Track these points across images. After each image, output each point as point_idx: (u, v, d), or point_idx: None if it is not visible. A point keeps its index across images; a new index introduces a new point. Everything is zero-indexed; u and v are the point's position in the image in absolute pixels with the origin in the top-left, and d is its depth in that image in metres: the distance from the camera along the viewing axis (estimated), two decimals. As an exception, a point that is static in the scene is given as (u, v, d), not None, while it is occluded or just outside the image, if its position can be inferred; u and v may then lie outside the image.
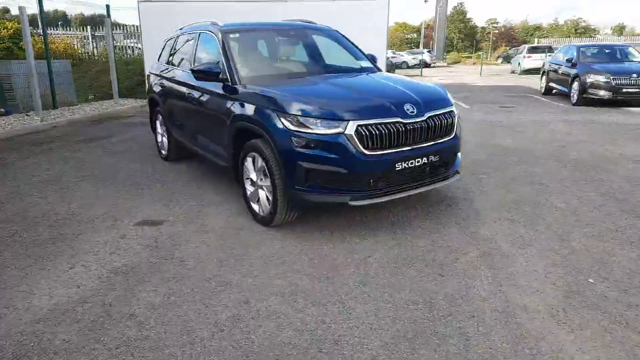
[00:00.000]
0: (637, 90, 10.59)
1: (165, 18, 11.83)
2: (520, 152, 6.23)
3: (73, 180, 5.27)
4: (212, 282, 2.97)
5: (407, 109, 3.51)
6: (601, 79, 10.84)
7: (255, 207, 3.96)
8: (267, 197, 3.78)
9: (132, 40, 18.47)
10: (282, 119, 3.43)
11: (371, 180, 3.42)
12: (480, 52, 44.07)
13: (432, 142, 3.64)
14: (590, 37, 50.24)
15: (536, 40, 37.99)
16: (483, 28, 76.02)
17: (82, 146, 7.08)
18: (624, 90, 10.58)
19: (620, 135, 7.37)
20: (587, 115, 9.59)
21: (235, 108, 3.95)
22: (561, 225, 3.74)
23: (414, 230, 3.68)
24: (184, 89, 5.05)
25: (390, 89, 3.85)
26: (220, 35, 4.49)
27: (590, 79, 10.99)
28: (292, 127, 3.38)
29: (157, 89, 5.93)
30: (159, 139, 6.26)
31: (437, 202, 4.26)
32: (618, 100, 10.77)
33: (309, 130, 3.34)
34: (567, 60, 12.35)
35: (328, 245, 3.45)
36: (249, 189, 4.01)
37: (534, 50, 25.50)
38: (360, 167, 3.34)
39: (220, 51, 4.37)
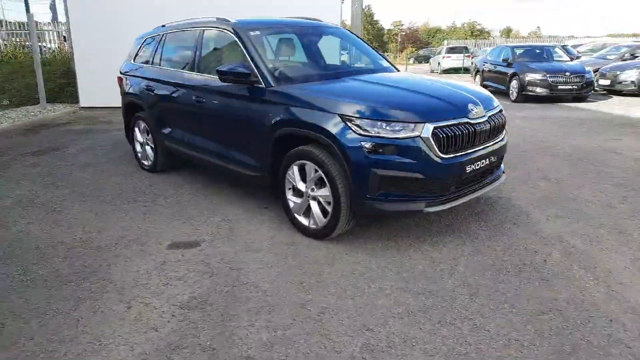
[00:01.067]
0: (570, 87, 11.52)
1: (99, 13, 10.81)
2: (510, 149, 6.42)
3: (55, 200, 4.54)
4: (309, 308, 2.65)
5: (472, 109, 3.41)
6: (538, 77, 11.64)
7: (303, 220, 3.64)
8: (322, 208, 3.48)
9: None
10: (350, 123, 3.17)
11: (445, 185, 3.28)
12: (387, 53, 45.89)
13: (492, 143, 3.59)
14: (485, 38, 54.50)
15: (446, 42, 40.28)
16: (389, 30, 79.39)
17: (37, 160, 6.17)
18: (560, 87, 11.45)
19: (578, 129, 7.92)
20: (535, 112, 10.23)
21: (276, 112, 3.60)
22: (610, 218, 3.86)
23: (478, 234, 3.59)
24: (186, 92, 4.55)
25: (447, 89, 3.72)
26: (239, 33, 4.08)
27: (529, 77, 11.76)
28: (362, 132, 3.13)
29: (138, 92, 5.30)
30: (138, 149, 5.63)
31: (475, 203, 4.22)
32: (554, 97, 11.64)
33: (383, 135, 3.11)
34: (503, 60, 13.13)
35: (405, 257, 3.26)
36: (294, 200, 3.69)
37: (451, 50, 26.94)
38: (437, 171, 3.18)
39: (243, 50, 3.97)
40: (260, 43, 4.05)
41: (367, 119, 3.14)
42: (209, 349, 2.30)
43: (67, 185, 5.01)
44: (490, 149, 3.54)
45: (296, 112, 3.47)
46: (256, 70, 3.79)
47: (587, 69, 11.89)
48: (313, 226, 3.57)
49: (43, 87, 11.08)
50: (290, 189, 3.71)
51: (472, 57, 25.56)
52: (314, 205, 3.53)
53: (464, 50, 26.18)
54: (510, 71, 12.50)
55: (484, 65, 14.47)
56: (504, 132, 3.80)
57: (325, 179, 3.34)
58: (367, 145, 3.11)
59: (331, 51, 4.69)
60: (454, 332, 2.39)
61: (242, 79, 3.78)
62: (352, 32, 5.02)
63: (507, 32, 76.29)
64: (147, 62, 5.33)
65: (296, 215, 3.69)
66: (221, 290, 2.86)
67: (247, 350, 2.29)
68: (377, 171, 3.12)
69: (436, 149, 3.15)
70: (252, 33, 4.09)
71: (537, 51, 13.26)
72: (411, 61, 45.89)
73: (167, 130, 4.98)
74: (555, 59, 13.04)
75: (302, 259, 3.26)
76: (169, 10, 10.60)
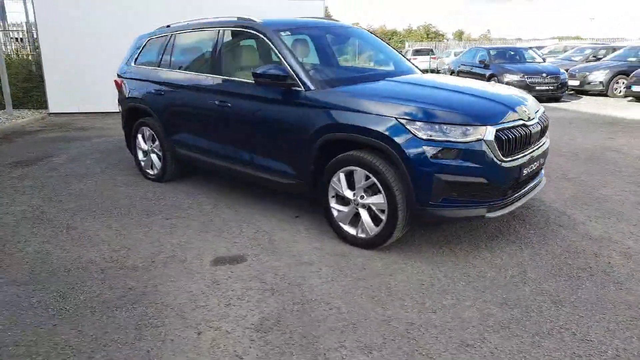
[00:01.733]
0: (547, 87, 11.87)
1: (68, 12, 10.22)
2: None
3: (64, 215, 4.17)
4: (394, 324, 2.50)
5: (525, 111, 3.36)
6: (516, 78, 11.94)
7: (349, 229, 3.48)
8: (372, 216, 3.33)
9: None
10: (410, 127, 3.04)
11: (505, 189, 3.21)
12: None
13: (540, 145, 3.55)
14: (440, 41, 55.89)
15: (407, 44, 40.97)
16: (348, 32, 79.74)
17: (24, 171, 5.70)
18: (537, 88, 11.78)
19: (569, 128, 8.13)
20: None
21: (320, 117, 3.43)
22: (648, 217, 3.92)
23: (529, 238, 3.55)
24: (205, 96, 4.29)
25: (496, 91, 3.65)
26: (268, 34, 3.87)
27: (507, 78, 12.04)
28: (425, 136, 3.01)
29: (144, 96, 4.97)
30: (141, 157, 5.28)
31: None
32: (531, 97, 11.95)
33: (447, 139, 3.00)
34: (479, 61, 13.40)
35: (467, 264, 3.16)
36: (338, 208, 3.52)
37: (417, 52, 27.37)
38: (499, 175, 3.11)
39: (276, 52, 3.77)
40: (292, 44, 3.85)
41: (429, 122, 3.02)
42: (310, 377, 2.11)
43: (70, 199, 4.62)
44: (539, 151, 3.50)
45: (345, 116, 3.31)
46: (293, 73, 3.60)
47: (561, 70, 12.29)
48: (362, 235, 3.41)
49: (9, 92, 10.35)
50: (333, 196, 3.54)
51: (437, 59, 26.10)
52: (364, 214, 3.37)
53: (430, 52, 26.68)
54: (487, 73, 12.76)
55: (459, 67, 14.72)
56: (546, 133, 3.77)
57: (380, 186, 3.20)
58: (431, 149, 2.99)
59: (353, 52, 4.54)
60: (557, 344, 2.30)
61: (278, 82, 3.58)
62: (371, 33, 4.89)
63: (460, 35, 78.66)
64: (152, 65, 5.01)
65: (341, 224, 3.52)
66: (291, 309, 2.66)
67: (353, 376, 2.11)
68: (441, 176, 3.00)
69: (498, 152, 3.07)
70: (282, 34, 3.89)
71: (512, 53, 13.61)
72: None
73: (180, 137, 4.69)
74: (528, 60, 13.42)
75: (360, 271, 3.10)
76: (137, 10, 10.23)
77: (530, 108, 3.45)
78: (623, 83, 12.73)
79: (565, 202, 4.27)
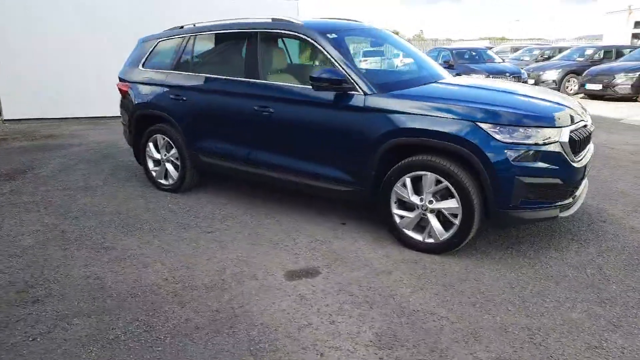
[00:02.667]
0: (510, 87, 12.41)
1: (21, 10, 9.43)
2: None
3: (90, 233, 3.83)
4: (513, 330, 2.49)
5: (582, 112, 3.47)
6: (482, 78, 12.40)
7: (415, 235, 3.44)
8: (443, 220, 3.31)
9: None
10: (490, 131, 3.05)
11: (573, 189, 3.30)
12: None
13: (590, 145, 3.68)
14: (386, 41, 57.12)
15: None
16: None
17: (11, 186, 5.18)
18: (502, 87, 12.28)
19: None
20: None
21: (385, 122, 3.36)
22: None
23: (584, 235, 3.67)
24: (241, 101, 4.08)
25: (552, 94, 3.74)
26: (316, 37, 3.75)
27: (473, 78, 12.48)
28: (506, 140, 3.03)
29: (160, 102, 4.66)
30: (152, 166, 4.96)
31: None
32: (496, 96, 12.47)
33: (527, 142, 3.04)
34: (444, 62, 13.77)
35: (543, 265, 3.22)
36: (402, 214, 3.47)
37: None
38: (572, 175, 3.20)
39: (329, 55, 3.66)
40: (343, 47, 3.74)
41: (510, 125, 3.04)
42: (466, 393, 2.05)
43: (86, 215, 4.24)
44: (591, 150, 3.63)
45: (417, 120, 3.26)
46: (350, 77, 3.50)
47: (521, 69, 12.92)
48: (429, 240, 3.38)
49: (-42, 97, 9.39)
50: (395, 202, 3.48)
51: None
52: (433, 219, 3.34)
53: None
54: (453, 73, 13.11)
55: (422, 67, 15.05)
56: (590, 134, 3.92)
57: (454, 190, 3.18)
58: (513, 153, 3.01)
59: (386, 55, 4.50)
60: (676, 339, 2.38)
61: (336, 86, 3.48)
62: (391, 33, 4.87)
63: (419, 36, 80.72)
64: (168, 68, 4.70)
65: (405, 231, 3.48)
66: (400, 322, 2.58)
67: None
68: (522, 179, 3.03)
69: (571, 153, 3.15)
70: (330, 36, 3.78)
71: (473, 53, 14.12)
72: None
73: (205, 144, 4.44)
74: (488, 60, 13.99)
75: (443, 277, 3.08)
76: (100, 7, 9.67)
77: (579, 109, 3.57)
78: (574, 81, 13.59)
79: (593, 197, 4.46)
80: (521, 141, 3.03)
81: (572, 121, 3.24)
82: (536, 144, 3.04)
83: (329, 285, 2.98)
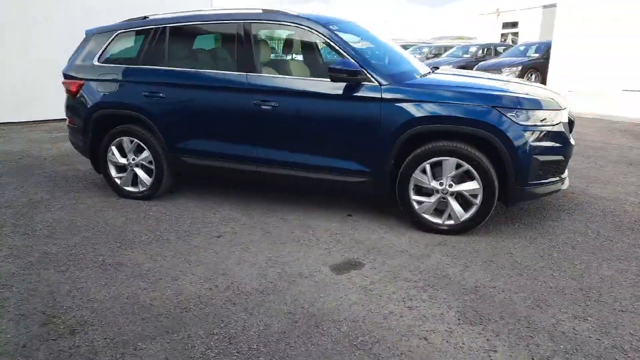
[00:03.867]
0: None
1: None
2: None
3: (83, 252, 3.36)
4: (571, 292, 2.75)
5: (564, 98, 3.91)
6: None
7: (434, 218, 3.60)
8: (465, 202, 3.51)
9: None
10: (508, 115, 3.30)
11: (567, 164, 3.70)
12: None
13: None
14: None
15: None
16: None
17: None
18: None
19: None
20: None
21: (404, 111, 3.45)
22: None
23: (572, 212, 4.12)
24: (236, 96, 3.89)
25: (526, 84, 4.12)
26: (323, 29, 3.72)
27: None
28: (524, 123, 3.31)
29: (131, 100, 4.23)
30: (116, 173, 4.48)
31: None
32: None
33: (541, 124, 3.36)
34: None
35: (553, 238, 3.56)
36: (420, 200, 3.60)
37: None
38: (570, 152, 3.60)
39: (339, 48, 3.66)
40: (348, 39, 3.75)
41: (525, 109, 3.32)
42: None
43: (59, 232, 3.71)
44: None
45: (439, 108, 3.40)
46: (365, 68, 3.54)
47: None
48: (449, 222, 3.56)
49: None
50: (413, 189, 3.60)
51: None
52: (453, 202, 3.51)
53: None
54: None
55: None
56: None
57: (475, 172, 3.38)
58: (530, 134, 3.30)
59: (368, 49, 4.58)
60: (693, 281, 2.83)
61: (353, 78, 3.49)
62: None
63: None
64: (137, 62, 4.26)
65: (425, 215, 3.61)
66: (471, 299, 2.69)
67: None
68: (538, 157, 3.34)
69: (569, 132, 3.54)
70: (333, 27, 3.76)
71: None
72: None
73: (190, 145, 4.13)
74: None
75: (478, 254, 3.26)
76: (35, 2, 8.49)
77: (561, 96, 4.01)
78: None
79: (580, 181, 4.85)
80: (536, 123, 3.33)
81: (565, 105, 3.63)
82: (548, 126, 3.36)
83: (381, 274, 2.99)
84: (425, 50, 18.45)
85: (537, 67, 13.58)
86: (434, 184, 3.51)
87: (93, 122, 4.39)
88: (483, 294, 2.73)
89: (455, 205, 3.51)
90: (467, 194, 3.47)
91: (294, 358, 2.19)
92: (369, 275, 2.98)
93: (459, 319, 2.49)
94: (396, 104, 3.46)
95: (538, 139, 3.33)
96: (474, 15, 21.86)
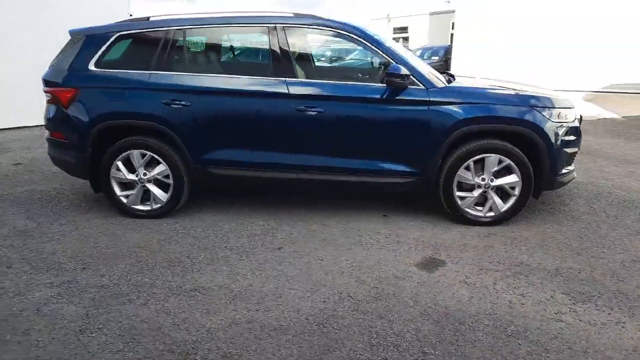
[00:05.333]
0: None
1: None
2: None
3: (135, 279, 3.01)
4: (631, 265, 3.19)
5: None
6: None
7: (475, 212, 3.86)
8: (503, 194, 3.82)
9: None
10: (544, 114, 3.70)
11: (575, 155, 4.22)
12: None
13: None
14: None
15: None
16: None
17: None
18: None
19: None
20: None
21: (454, 113, 3.66)
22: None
23: (573, 196, 4.68)
24: (272, 102, 3.77)
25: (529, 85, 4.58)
26: (361, 33, 3.77)
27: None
28: (555, 120, 3.73)
29: (146, 109, 3.84)
30: (120, 192, 4.03)
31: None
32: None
33: (566, 120, 3.81)
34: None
35: (578, 221, 4.04)
36: (463, 195, 3.84)
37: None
38: (580, 144, 4.10)
39: (384, 53, 3.75)
40: (390, 44, 3.85)
41: (554, 108, 3.75)
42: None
43: (89, 262, 3.26)
44: None
45: (485, 109, 3.67)
46: (413, 73, 3.68)
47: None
48: (490, 214, 3.86)
49: None
50: (456, 185, 3.84)
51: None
52: (494, 195, 3.82)
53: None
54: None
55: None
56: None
57: (515, 166, 3.72)
58: (560, 130, 3.73)
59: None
60: None
61: (404, 82, 3.61)
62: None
63: None
64: (150, 67, 3.86)
65: (467, 209, 3.86)
66: (561, 280, 2.97)
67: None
68: (566, 150, 3.79)
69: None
70: (369, 31, 3.84)
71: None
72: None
73: (221, 155, 3.88)
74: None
75: (528, 240, 3.57)
76: None
77: None
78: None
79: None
80: (563, 121, 3.76)
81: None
82: (570, 122, 3.82)
83: (466, 268, 3.15)
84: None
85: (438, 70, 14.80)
86: (477, 180, 3.76)
87: (94, 136, 3.88)
88: (567, 275, 3.04)
89: (496, 198, 3.81)
90: (507, 186, 3.78)
91: (471, 356, 2.25)
92: (459, 270, 3.12)
93: (570, 300, 2.75)
94: (444, 107, 3.65)
95: (565, 134, 3.77)
96: (367, 20, 23.19)
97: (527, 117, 3.65)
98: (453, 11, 13.92)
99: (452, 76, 4.39)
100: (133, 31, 3.94)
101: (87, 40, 3.96)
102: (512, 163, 3.70)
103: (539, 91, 3.99)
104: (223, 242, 3.55)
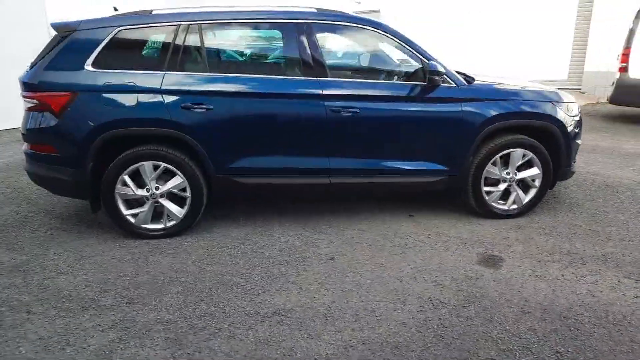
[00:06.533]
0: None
1: None
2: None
3: (207, 306, 2.66)
4: (657, 245, 3.49)
5: None
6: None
7: (500, 205, 3.95)
8: (525, 188, 3.98)
9: None
10: (563, 109, 3.91)
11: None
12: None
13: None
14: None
15: None
16: None
17: None
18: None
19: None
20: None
21: (485, 110, 3.71)
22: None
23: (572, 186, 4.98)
24: (302, 103, 3.54)
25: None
26: (389, 30, 3.68)
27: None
28: (569, 114, 3.96)
29: (163, 115, 3.42)
30: (126, 210, 3.55)
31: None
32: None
33: (575, 114, 4.06)
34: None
35: (589, 209, 4.33)
36: (489, 190, 3.91)
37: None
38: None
39: (412, 50, 3.68)
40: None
41: (567, 103, 3.97)
42: None
43: (150, 294, 2.82)
44: None
45: (513, 105, 3.76)
46: (444, 70, 3.68)
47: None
48: (514, 206, 3.99)
49: None
50: (483, 181, 3.92)
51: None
52: (517, 188, 3.96)
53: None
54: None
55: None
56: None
57: (537, 159, 3.89)
58: (574, 123, 3.97)
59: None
60: (701, 221, 3.89)
61: (439, 79, 3.60)
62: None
63: None
64: (160, 68, 3.42)
65: (494, 204, 3.96)
66: (612, 266, 3.13)
67: None
68: (577, 142, 4.05)
69: (576, 120, 4.35)
70: (394, 28, 3.77)
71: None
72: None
73: (245, 162, 3.56)
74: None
75: (558, 228, 3.75)
76: None
77: None
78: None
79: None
80: (574, 114, 4.00)
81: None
82: (577, 115, 4.07)
83: (527, 261, 3.21)
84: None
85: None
86: (503, 174, 3.87)
87: (98, 147, 3.35)
88: (615, 260, 3.21)
89: (519, 191, 3.94)
90: (529, 179, 3.93)
91: (602, 348, 2.28)
92: (520, 264, 3.17)
93: (636, 283, 2.92)
94: (475, 103, 3.69)
95: (575, 127, 4.01)
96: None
97: (550, 111, 3.82)
98: (378, 11, 14.24)
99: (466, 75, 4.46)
100: (137, 26, 3.45)
101: (78, 36, 3.40)
102: (534, 156, 3.84)
103: (550, 87, 4.20)
104: (271, 258, 3.26)
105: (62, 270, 3.10)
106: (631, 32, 7.70)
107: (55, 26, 3.44)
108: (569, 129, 3.88)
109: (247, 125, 3.49)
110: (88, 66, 3.35)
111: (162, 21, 3.47)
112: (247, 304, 2.68)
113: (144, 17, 3.48)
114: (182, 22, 3.46)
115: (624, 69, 7.77)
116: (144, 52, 3.52)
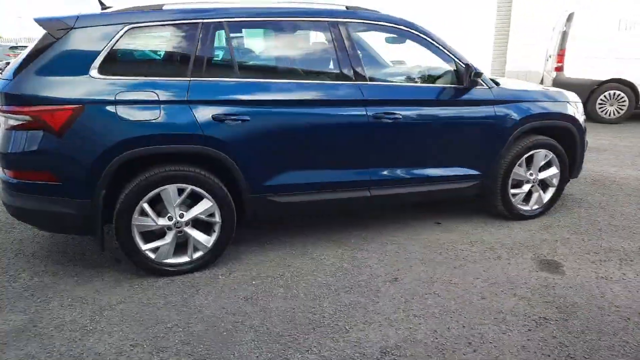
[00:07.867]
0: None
1: None
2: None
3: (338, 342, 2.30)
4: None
5: None
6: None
7: (524, 206, 3.95)
8: (544, 188, 4.03)
9: None
10: (576, 109, 4.02)
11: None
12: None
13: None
14: None
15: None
16: None
17: None
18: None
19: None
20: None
21: (516, 111, 3.67)
22: None
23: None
24: (349, 110, 3.26)
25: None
26: (424, 31, 3.51)
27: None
28: (581, 114, 4.09)
29: (193, 130, 2.91)
30: (144, 245, 2.98)
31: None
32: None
33: (582, 112, 4.20)
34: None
35: (605, 208, 4.49)
36: (514, 192, 3.90)
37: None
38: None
39: (447, 51, 3.54)
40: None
41: (579, 102, 4.10)
42: None
43: (213, 341, 2.34)
44: None
45: (541, 107, 3.78)
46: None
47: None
48: (536, 207, 4.03)
49: None
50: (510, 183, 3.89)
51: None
52: (539, 189, 3.98)
53: None
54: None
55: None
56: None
57: (557, 160, 3.96)
58: (584, 122, 4.10)
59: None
60: (694, 209, 4.21)
61: (476, 80, 3.51)
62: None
63: None
64: (180, 74, 2.90)
65: (519, 205, 3.96)
66: (658, 259, 3.29)
67: None
68: (586, 139, 4.19)
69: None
70: (427, 29, 3.60)
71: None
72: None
73: (283, 179, 3.17)
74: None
75: (581, 226, 3.82)
76: None
77: None
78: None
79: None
80: (583, 113, 4.13)
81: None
82: (584, 114, 4.21)
83: (583, 263, 3.19)
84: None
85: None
86: (527, 175, 3.88)
87: (113, 172, 2.76)
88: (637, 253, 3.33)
89: (541, 192, 3.98)
90: (549, 180, 3.98)
91: None
92: (579, 267, 3.15)
93: (685, 274, 3.03)
94: (506, 105, 3.64)
95: (584, 125, 4.14)
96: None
97: (570, 112, 3.90)
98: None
99: None
100: (150, 23, 2.88)
101: (76, 35, 2.76)
102: (554, 156, 3.89)
103: (560, 89, 4.29)
104: (325, 285, 2.90)
105: (86, 328, 2.48)
106: (564, 35, 8.30)
107: (41, 22, 2.76)
108: (582, 126, 3.99)
109: (286, 136, 3.10)
110: (93, 72, 2.73)
111: (180, 18, 2.95)
112: (343, 345, 2.32)
113: (158, 13, 2.93)
114: (205, 20, 2.96)
115: (559, 69, 8.36)
116: (161, 55, 2.96)
